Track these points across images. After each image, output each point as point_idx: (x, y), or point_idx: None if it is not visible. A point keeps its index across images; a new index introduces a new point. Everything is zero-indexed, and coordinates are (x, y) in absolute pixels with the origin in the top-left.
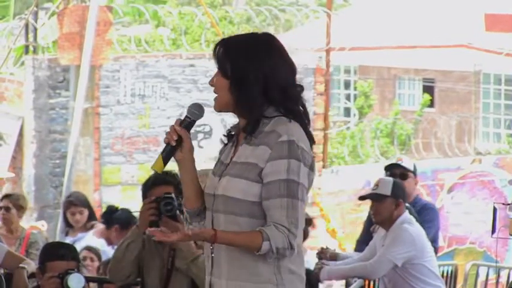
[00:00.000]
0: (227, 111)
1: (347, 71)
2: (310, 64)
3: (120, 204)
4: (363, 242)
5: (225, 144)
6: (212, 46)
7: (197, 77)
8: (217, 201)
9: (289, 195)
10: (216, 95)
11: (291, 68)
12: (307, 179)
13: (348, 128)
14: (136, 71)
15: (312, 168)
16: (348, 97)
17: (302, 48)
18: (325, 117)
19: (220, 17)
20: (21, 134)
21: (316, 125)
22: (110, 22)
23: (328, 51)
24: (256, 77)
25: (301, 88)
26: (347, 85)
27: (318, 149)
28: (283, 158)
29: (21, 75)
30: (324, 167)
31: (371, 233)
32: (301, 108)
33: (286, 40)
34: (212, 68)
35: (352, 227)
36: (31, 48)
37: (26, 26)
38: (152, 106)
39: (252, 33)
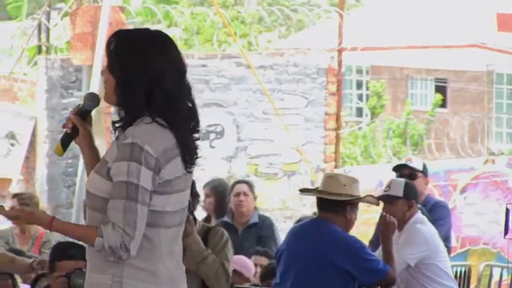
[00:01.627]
0: (113, 105)
1: (359, 71)
2: (322, 64)
3: None
4: (375, 243)
5: None
6: (224, 46)
7: (209, 77)
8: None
9: (128, 197)
10: (104, 88)
11: (179, 72)
12: (150, 182)
13: (360, 128)
14: None
15: (155, 171)
16: (360, 97)
17: (314, 48)
18: (337, 117)
19: (232, 17)
20: (34, 134)
21: (328, 125)
22: (122, 22)
23: (340, 51)
24: (142, 82)
25: (189, 88)
26: (359, 85)
27: (330, 149)
28: (124, 160)
29: (34, 75)
30: (336, 167)
31: None
32: (186, 111)
33: (298, 40)
34: (224, 68)
35: (364, 227)
36: (44, 48)
37: (39, 26)
38: None
39: (144, 30)
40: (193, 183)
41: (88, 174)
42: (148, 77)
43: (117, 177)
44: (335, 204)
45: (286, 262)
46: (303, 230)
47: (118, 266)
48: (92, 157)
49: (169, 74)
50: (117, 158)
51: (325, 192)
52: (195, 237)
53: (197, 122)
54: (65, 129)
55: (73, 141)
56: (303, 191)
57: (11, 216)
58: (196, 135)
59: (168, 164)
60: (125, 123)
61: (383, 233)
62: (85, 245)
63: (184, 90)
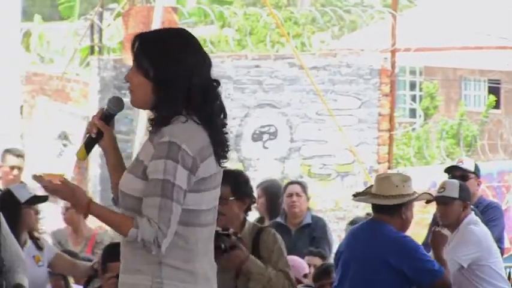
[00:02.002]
0: (144, 109)
1: (412, 72)
2: (375, 65)
3: None
4: (428, 244)
5: None
6: (277, 47)
7: (262, 77)
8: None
9: (163, 195)
10: (131, 91)
11: (209, 65)
12: (186, 181)
13: (413, 129)
14: None
15: (192, 171)
16: (413, 98)
17: (367, 49)
18: (391, 118)
19: (285, 17)
20: None
21: (381, 126)
22: (175, 23)
23: (393, 52)
24: (180, 80)
25: (218, 83)
26: (412, 86)
27: (383, 150)
28: (161, 158)
29: (87, 75)
30: (389, 168)
31: None
32: (216, 108)
33: (351, 41)
34: (278, 68)
35: (418, 228)
36: (96, 48)
37: (91, 26)
38: None
39: (166, 29)
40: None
41: (112, 177)
42: (184, 74)
43: (153, 175)
44: (390, 207)
45: (344, 264)
46: (359, 232)
47: (157, 266)
48: (117, 160)
49: (200, 70)
50: (153, 157)
51: (378, 195)
52: (252, 260)
53: (225, 116)
54: (88, 134)
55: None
56: (356, 195)
57: (49, 188)
58: (225, 129)
59: (204, 162)
60: (161, 122)
61: (434, 245)
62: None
63: (213, 85)
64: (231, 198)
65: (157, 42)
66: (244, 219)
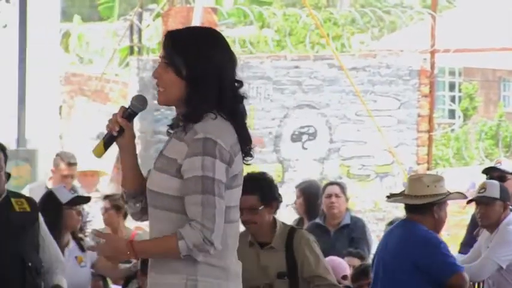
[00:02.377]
0: (170, 106)
1: (452, 73)
2: (414, 66)
3: None
4: (466, 245)
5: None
6: (317, 48)
7: (302, 78)
8: (148, 195)
9: (204, 191)
10: (161, 88)
11: (235, 63)
12: (225, 175)
13: (452, 130)
14: (241, 72)
15: (230, 164)
16: (452, 99)
17: (407, 50)
18: (430, 119)
19: (324, 18)
20: None
21: (420, 127)
22: (214, 23)
23: (432, 53)
24: (212, 77)
25: (241, 83)
26: (452, 87)
27: (422, 151)
28: (197, 155)
29: (126, 76)
30: (428, 169)
31: (475, 236)
32: (241, 106)
33: (391, 41)
34: (317, 69)
35: (456, 229)
36: (136, 49)
37: (131, 27)
38: (257, 107)
39: (198, 27)
40: None
41: (128, 175)
42: (214, 72)
43: (190, 173)
44: (421, 206)
45: (377, 264)
46: (392, 232)
47: (191, 264)
48: (134, 159)
49: (228, 68)
50: (188, 154)
51: (410, 196)
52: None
53: (246, 113)
54: (108, 131)
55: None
56: (390, 197)
57: (98, 251)
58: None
59: (235, 157)
60: (193, 119)
61: None
62: None
63: (238, 82)
64: (260, 208)
65: (189, 40)
66: (274, 221)
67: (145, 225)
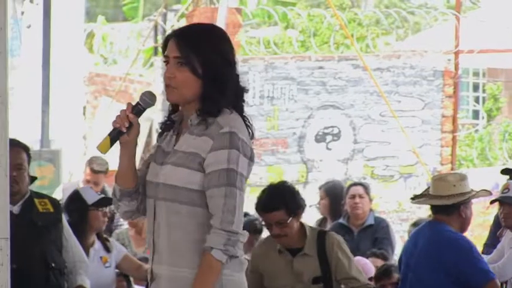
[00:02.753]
0: (180, 104)
1: (476, 74)
2: (438, 67)
3: (248, 205)
4: (490, 245)
5: (162, 133)
6: (341, 49)
7: (326, 79)
8: (159, 189)
9: (228, 183)
10: (173, 87)
11: (236, 60)
12: (246, 169)
13: (476, 131)
14: (265, 72)
15: (251, 159)
16: (476, 99)
17: (431, 51)
18: (454, 120)
19: (349, 19)
20: (150, 136)
21: (444, 127)
22: (239, 24)
23: (457, 54)
24: (227, 73)
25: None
26: (476, 87)
27: (446, 151)
28: (224, 149)
29: (150, 76)
30: (452, 169)
31: (498, 237)
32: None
33: (415, 42)
34: (341, 69)
35: (480, 229)
36: (160, 49)
37: (155, 27)
38: (281, 108)
39: (207, 24)
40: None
41: (126, 170)
42: (228, 68)
43: (215, 166)
44: (448, 206)
45: (405, 265)
46: (419, 233)
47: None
48: (133, 156)
49: (236, 64)
50: (214, 148)
51: (436, 196)
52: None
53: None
54: (116, 127)
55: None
56: (414, 198)
57: None
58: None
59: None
60: (213, 114)
61: None
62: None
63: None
64: (289, 221)
65: (201, 37)
66: (302, 226)
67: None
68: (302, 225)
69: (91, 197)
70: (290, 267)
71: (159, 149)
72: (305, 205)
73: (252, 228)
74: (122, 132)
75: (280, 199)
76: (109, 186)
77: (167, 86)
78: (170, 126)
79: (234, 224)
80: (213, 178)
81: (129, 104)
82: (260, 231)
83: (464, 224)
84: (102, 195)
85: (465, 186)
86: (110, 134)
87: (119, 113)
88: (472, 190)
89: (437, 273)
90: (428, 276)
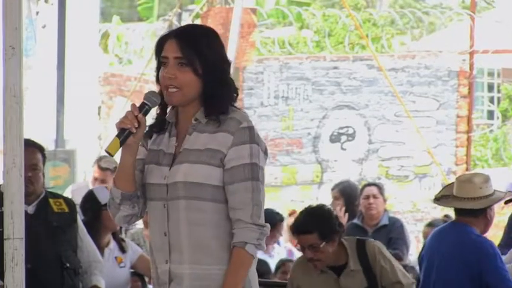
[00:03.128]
0: (182, 105)
1: (490, 74)
2: (453, 67)
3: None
4: (504, 246)
5: (150, 136)
6: (356, 49)
7: (341, 79)
8: (175, 189)
9: (253, 178)
10: (174, 88)
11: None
12: (264, 163)
13: (491, 131)
14: (280, 73)
15: (266, 153)
16: (491, 100)
17: (446, 51)
18: (469, 120)
19: (363, 19)
20: None
21: (459, 127)
22: (253, 24)
23: (471, 54)
24: (227, 71)
25: None
26: (490, 88)
27: (461, 151)
28: (245, 143)
29: None
30: (467, 169)
31: None
32: None
33: (430, 42)
34: (356, 70)
35: (494, 230)
36: None
37: (170, 27)
38: (296, 108)
39: (203, 25)
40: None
41: (125, 175)
42: (227, 66)
43: (238, 161)
44: (475, 209)
45: (427, 266)
46: (442, 234)
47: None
48: (135, 158)
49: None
50: (235, 143)
51: (462, 198)
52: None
53: None
54: (124, 128)
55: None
56: (438, 199)
57: None
58: None
59: None
60: (220, 112)
61: None
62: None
63: None
64: (322, 245)
65: (201, 39)
66: (341, 244)
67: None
68: (343, 245)
69: (104, 196)
70: (337, 285)
71: (158, 152)
72: (342, 230)
73: (273, 221)
74: (130, 134)
75: (314, 222)
76: None
77: (167, 87)
78: (161, 128)
79: (261, 218)
80: (237, 173)
81: (133, 105)
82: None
83: (487, 225)
84: None
85: (490, 187)
86: (118, 136)
87: (124, 115)
88: (495, 191)
89: (460, 275)
90: (451, 277)
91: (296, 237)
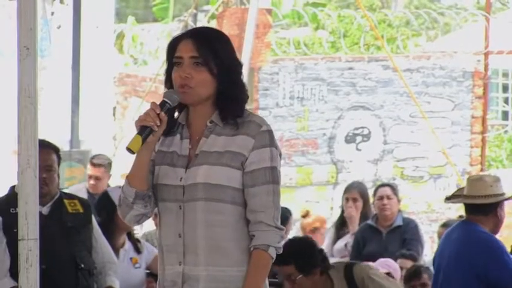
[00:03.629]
0: (195, 105)
1: (505, 75)
2: (468, 67)
3: None
4: None
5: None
6: (371, 50)
7: (356, 80)
8: (193, 190)
9: (273, 181)
10: (189, 88)
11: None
12: (280, 166)
13: (505, 132)
14: (295, 73)
15: (280, 155)
16: (506, 100)
17: (461, 52)
18: (483, 121)
19: (379, 20)
20: None
21: (474, 128)
22: (269, 25)
23: (486, 55)
24: (240, 72)
25: None
26: (505, 88)
27: (476, 152)
28: (265, 147)
29: None
30: (481, 170)
31: None
32: None
33: (445, 43)
34: (371, 70)
35: (508, 230)
36: None
37: (185, 28)
38: (311, 109)
39: (214, 28)
40: None
41: (141, 173)
42: (240, 68)
43: (259, 164)
44: (485, 206)
45: (437, 267)
46: (451, 233)
47: (245, 255)
48: (150, 157)
49: None
50: (256, 146)
51: (472, 196)
52: None
53: None
54: (146, 126)
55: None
56: (449, 198)
57: None
58: None
59: None
60: (237, 114)
61: None
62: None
63: None
64: (298, 277)
65: (216, 39)
66: (326, 275)
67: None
68: (326, 274)
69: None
70: None
71: (170, 154)
72: (325, 264)
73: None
74: (151, 131)
75: (292, 254)
76: None
77: (182, 86)
78: (168, 130)
79: (279, 220)
80: (258, 176)
81: (153, 103)
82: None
83: (497, 225)
84: None
85: (500, 187)
86: (140, 133)
87: (145, 112)
88: (504, 192)
89: (466, 274)
90: (457, 276)
91: (276, 268)
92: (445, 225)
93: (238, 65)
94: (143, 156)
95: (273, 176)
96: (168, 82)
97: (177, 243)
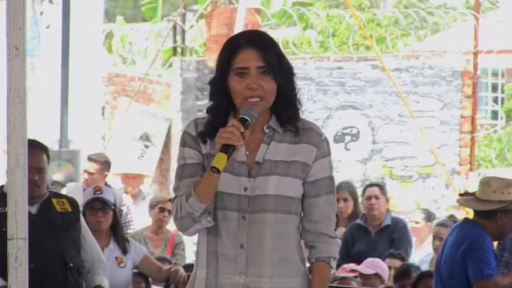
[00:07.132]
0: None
1: (495, 74)
2: (457, 67)
3: None
4: None
5: (204, 140)
6: (360, 49)
7: (345, 79)
8: (262, 201)
9: (332, 191)
10: (258, 98)
11: None
12: None
13: (495, 131)
14: None
15: None
16: (495, 100)
17: (450, 51)
18: (473, 120)
19: (367, 19)
20: (168, 136)
21: (463, 128)
22: (257, 24)
23: (475, 54)
24: (295, 75)
25: None
26: (494, 88)
27: (465, 152)
28: (325, 156)
29: (169, 76)
30: (471, 170)
31: None
32: None
33: (434, 43)
34: (360, 70)
35: None
36: (179, 50)
37: (174, 27)
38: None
39: (262, 31)
40: None
41: (214, 188)
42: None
43: (321, 174)
44: (486, 211)
45: (436, 265)
46: (452, 233)
47: (304, 265)
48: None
49: None
50: (318, 156)
51: (478, 199)
52: None
53: None
54: (230, 145)
55: None
56: (463, 195)
57: None
58: None
59: None
60: (296, 120)
61: None
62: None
63: None
64: None
65: (274, 45)
66: None
67: None
68: None
69: (110, 198)
70: None
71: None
72: None
73: None
74: (234, 149)
75: None
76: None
77: (250, 97)
78: (214, 133)
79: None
80: (321, 186)
81: (236, 121)
82: None
83: (500, 231)
84: (96, 196)
85: (508, 194)
86: (224, 151)
87: (229, 131)
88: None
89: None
90: (452, 272)
91: None
92: (441, 224)
93: (292, 68)
94: (216, 176)
95: (332, 186)
96: (221, 91)
97: (238, 254)
